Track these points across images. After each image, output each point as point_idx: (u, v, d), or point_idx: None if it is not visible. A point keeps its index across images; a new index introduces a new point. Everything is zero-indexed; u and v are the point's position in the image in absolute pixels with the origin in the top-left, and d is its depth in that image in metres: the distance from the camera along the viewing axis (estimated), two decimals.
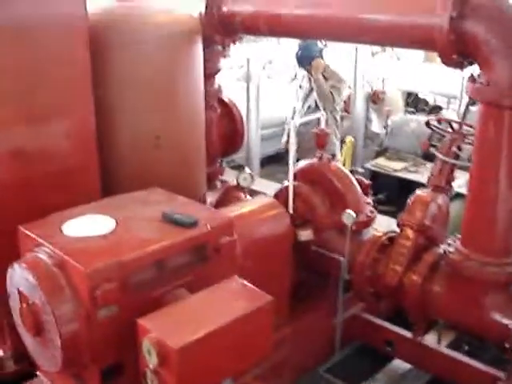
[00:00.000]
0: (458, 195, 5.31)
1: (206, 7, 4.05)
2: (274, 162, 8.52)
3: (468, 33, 2.95)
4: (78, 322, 2.53)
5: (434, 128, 4.08)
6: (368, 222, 3.95)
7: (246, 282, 2.73)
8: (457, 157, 3.82)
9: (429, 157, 6.99)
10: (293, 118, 6.11)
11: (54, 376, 2.83)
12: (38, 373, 3.01)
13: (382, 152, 7.53)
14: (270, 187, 6.01)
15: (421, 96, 10.28)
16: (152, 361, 2.35)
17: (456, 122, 3.93)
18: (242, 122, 4.85)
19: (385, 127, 7.92)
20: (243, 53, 7.26)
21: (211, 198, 4.58)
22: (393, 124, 7.78)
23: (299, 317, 3.91)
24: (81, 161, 3.53)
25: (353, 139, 7.08)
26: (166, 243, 2.72)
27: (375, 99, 9.32)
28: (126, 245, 2.69)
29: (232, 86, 7.99)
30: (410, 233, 3.65)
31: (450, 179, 3.81)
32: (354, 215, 3.66)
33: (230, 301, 2.61)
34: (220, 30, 4.10)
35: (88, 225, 2.84)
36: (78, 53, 3.35)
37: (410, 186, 6.81)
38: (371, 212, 3.99)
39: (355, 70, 8.33)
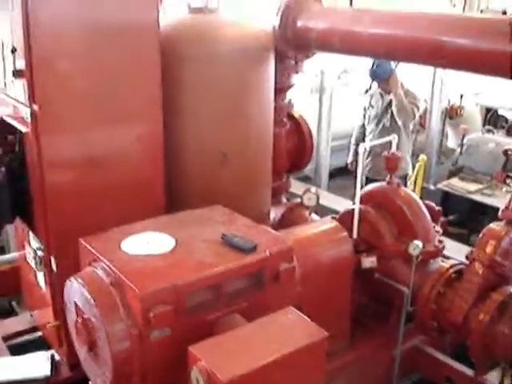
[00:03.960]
0: None
1: (280, 21, 3.99)
2: (345, 174, 8.34)
3: None
4: (130, 341, 2.52)
5: None
6: (436, 253, 3.78)
7: (301, 314, 2.63)
8: None
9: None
10: (363, 140, 5.89)
11: None
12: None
13: (456, 171, 7.23)
14: (336, 203, 5.92)
15: (500, 113, 9.91)
16: None
17: None
18: (311, 137, 4.74)
19: (460, 145, 7.61)
20: (317, 63, 7.14)
21: (275, 213, 4.52)
22: (469, 142, 7.47)
23: (357, 345, 3.79)
24: (148, 171, 3.55)
25: (425, 158, 6.82)
26: (223, 268, 2.67)
27: (452, 114, 9.06)
28: (184, 267, 2.66)
29: (304, 97, 7.92)
30: (479, 268, 3.46)
31: None
32: (421, 246, 3.51)
33: (284, 333, 2.52)
34: (293, 45, 4.03)
35: (147, 243, 2.85)
36: (148, 57, 3.37)
37: (484, 208, 6.55)
38: (440, 242, 3.81)
39: (432, 84, 8.05)
